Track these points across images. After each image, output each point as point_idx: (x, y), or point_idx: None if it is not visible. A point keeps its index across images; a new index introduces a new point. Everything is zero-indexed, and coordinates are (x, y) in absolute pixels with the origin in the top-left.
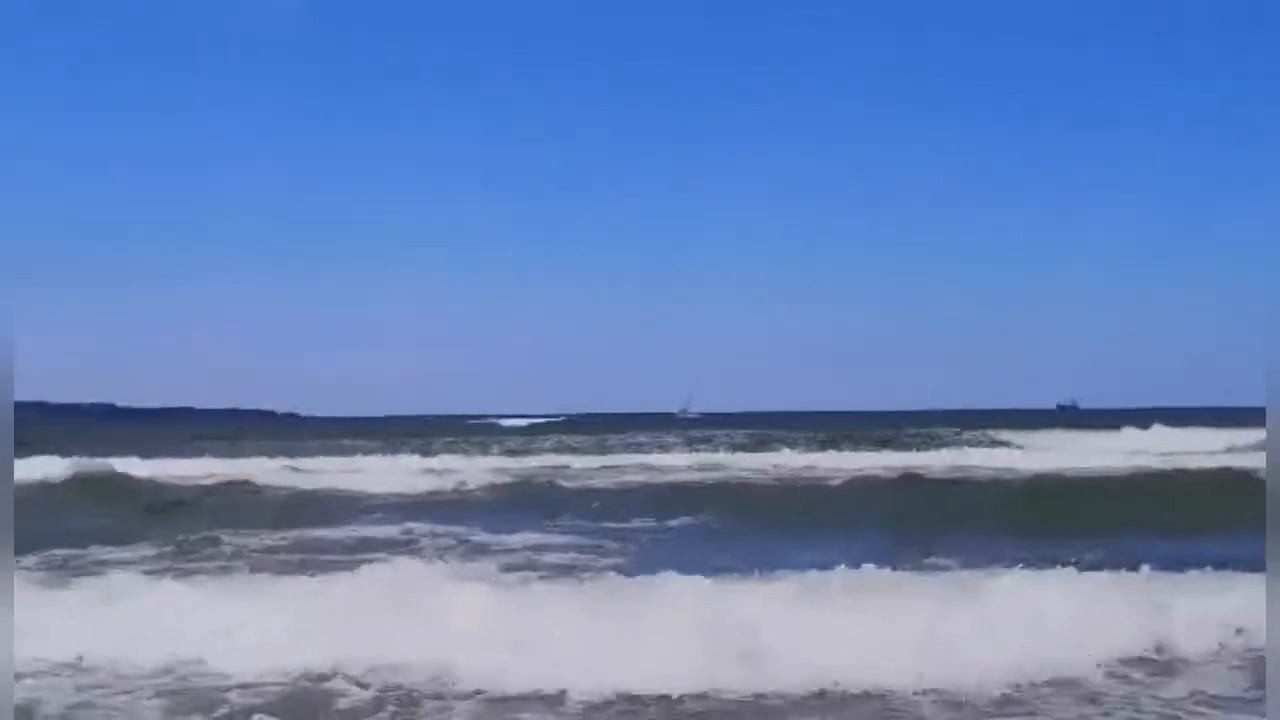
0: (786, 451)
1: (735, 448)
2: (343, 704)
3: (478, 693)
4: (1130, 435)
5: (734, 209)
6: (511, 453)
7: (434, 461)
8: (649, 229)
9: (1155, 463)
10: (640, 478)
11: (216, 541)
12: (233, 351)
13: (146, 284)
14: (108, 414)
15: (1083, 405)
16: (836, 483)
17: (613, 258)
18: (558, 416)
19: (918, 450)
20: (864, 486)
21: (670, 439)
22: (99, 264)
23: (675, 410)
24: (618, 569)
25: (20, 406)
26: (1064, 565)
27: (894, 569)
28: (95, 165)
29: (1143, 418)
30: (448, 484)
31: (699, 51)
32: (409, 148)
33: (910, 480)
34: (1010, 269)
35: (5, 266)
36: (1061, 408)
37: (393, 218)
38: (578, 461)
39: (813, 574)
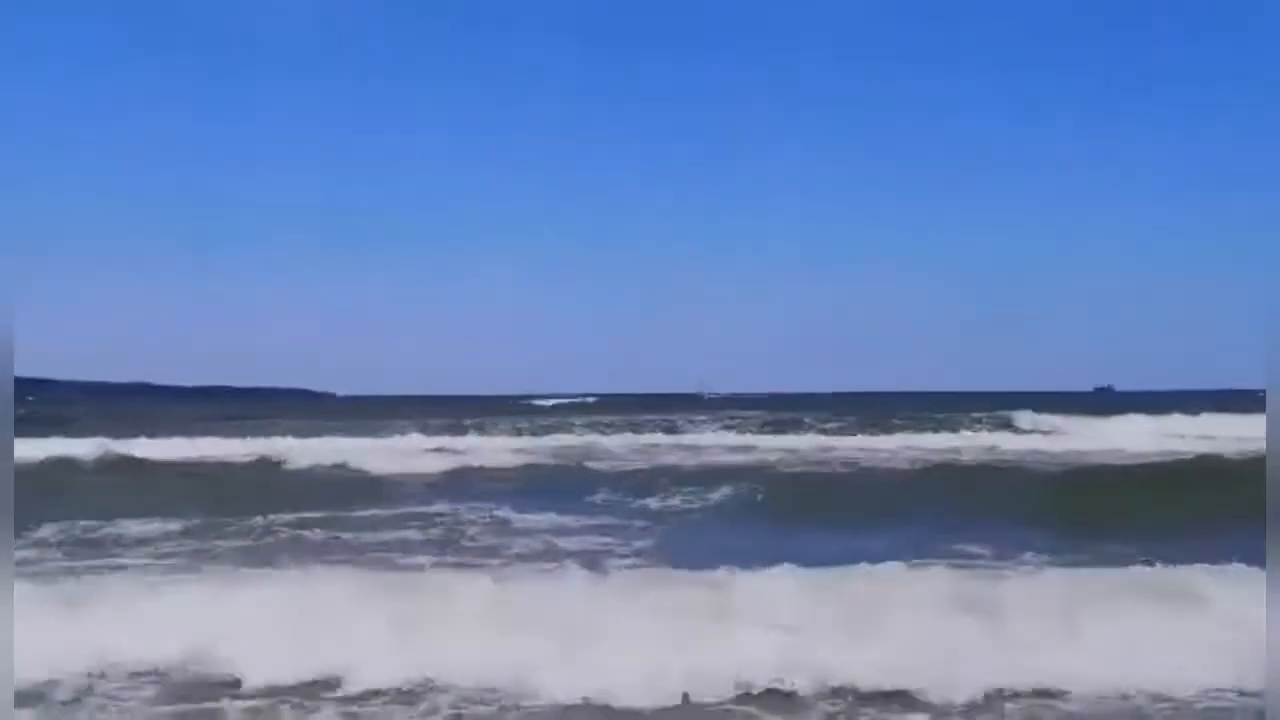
0: (818, 435)
1: (765, 429)
2: (347, 690)
3: (467, 693)
4: (1181, 421)
5: (751, 196)
6: (545, 431)
7: (465, 440)
8: (662, 218)
9: (1224, 448)
10: (673, 458)
11: (238, 521)
12: (270, 332)
13: (188, 265)
14: (147, 392)
15: (1118, 389)
16: (894, 466)
17: (630, 245)
18: (587, 396)
19: (950, 432)
20: (933, 471)
21: (699, 419)
22: (143, 246)
23: (694, 391)
24: (644, 556)
25: (60, 385)
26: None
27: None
28: (143, 151)
29: (1179, 402)
30: (477, 463)
31: (716, 43)
32: (439, 136)
33: (971, 465)
34: (1040, 253)
35: (52, 249)
36: (1098, 390)
37: (422, 204)
38: (611, 441)
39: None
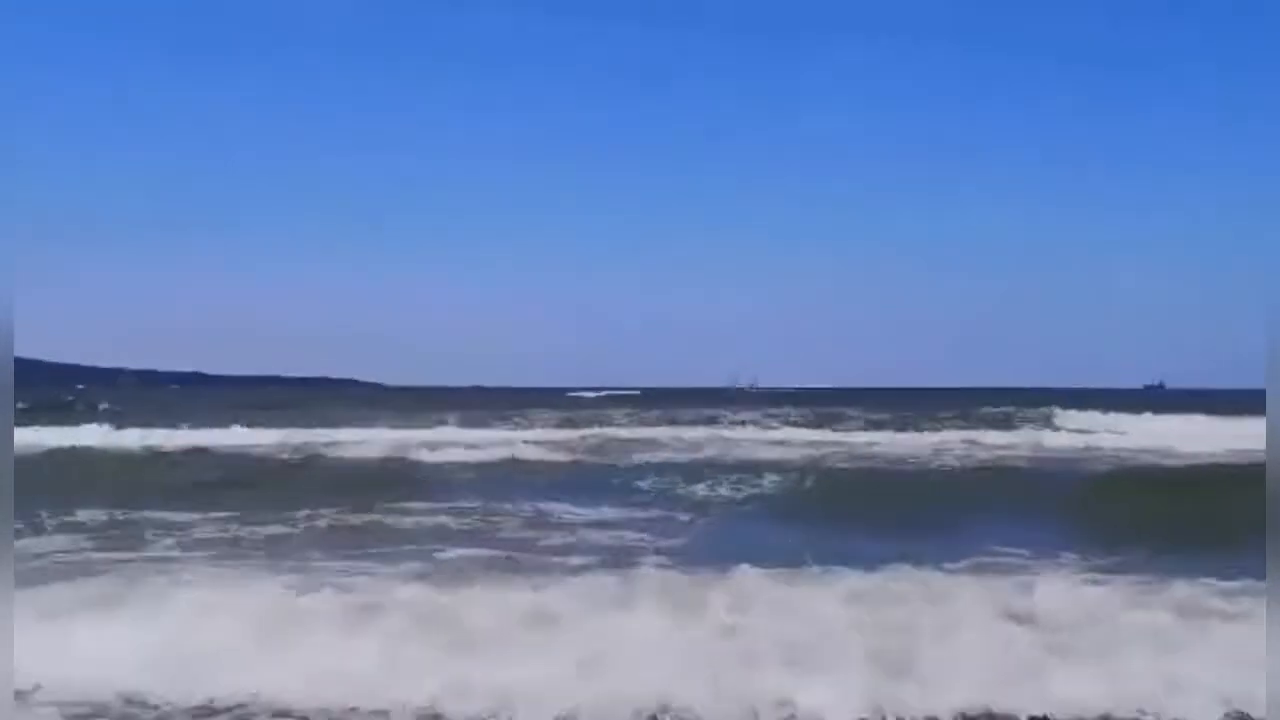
0: (859, 431)
1: (806, 424)
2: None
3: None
4: (1236, 422)
5: (785, 186)
6: (586, 423)
7: (507, 432)
8: (691, 209)
9: None
10: (715, 451)
11: (276, 513)
12: (320, 322)
13: (237, 255)
14: (198, 381)
15: (1169, 386)
16: (941, 464)
17: (665, 236)
18: (628, 389)
19: (997, 430)
20: (979, 469)
21: (741, 413)
22: (193, 234)
23: (737, 385)
24: (682, 555)
25: (112, 374)
26: None
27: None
28: (173, 139)
29: (1236, 401)
30: (519, 455)
31: (740, 23)
32: (467, 119)
33: (1017, 464)
34: (1090, 246)
35: (91, 234)
36: (1148, 388)
37: (461, 191)
38: (653, 434)
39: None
